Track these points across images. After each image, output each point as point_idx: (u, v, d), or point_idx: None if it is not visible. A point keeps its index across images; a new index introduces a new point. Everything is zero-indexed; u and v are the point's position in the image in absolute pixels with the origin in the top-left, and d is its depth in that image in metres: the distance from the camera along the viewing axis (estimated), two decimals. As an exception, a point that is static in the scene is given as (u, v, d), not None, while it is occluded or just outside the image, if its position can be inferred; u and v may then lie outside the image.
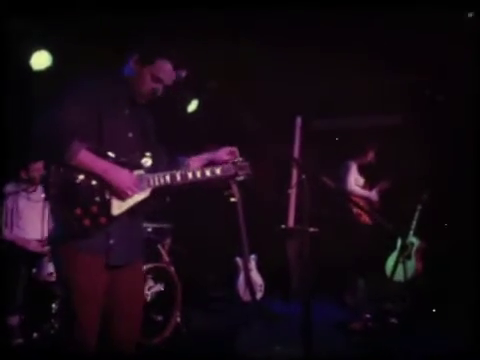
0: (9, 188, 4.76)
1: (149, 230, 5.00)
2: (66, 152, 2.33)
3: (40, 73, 5.16)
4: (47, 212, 4.96)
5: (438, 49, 5.40)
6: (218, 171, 2.82)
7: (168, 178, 2.64)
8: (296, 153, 6.88)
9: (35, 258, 4.46)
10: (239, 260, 5.94)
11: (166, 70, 2.62)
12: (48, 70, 5.18)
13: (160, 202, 2.69)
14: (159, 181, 2.62)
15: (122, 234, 2.55)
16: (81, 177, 2.40)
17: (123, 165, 2.52)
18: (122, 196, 2.49)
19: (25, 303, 4.33)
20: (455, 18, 4.41)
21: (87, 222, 2.39)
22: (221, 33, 5.24)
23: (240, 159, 2.91)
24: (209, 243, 6.72)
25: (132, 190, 2.50)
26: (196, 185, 2.78)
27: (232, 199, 5.97)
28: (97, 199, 2.43)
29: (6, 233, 4.68)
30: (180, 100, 6.60)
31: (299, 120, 6.99)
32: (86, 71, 2.69)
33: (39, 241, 4.67)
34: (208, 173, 2.78)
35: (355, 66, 5.90)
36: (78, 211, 2.37)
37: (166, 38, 2.72)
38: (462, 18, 3.73)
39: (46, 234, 4.85)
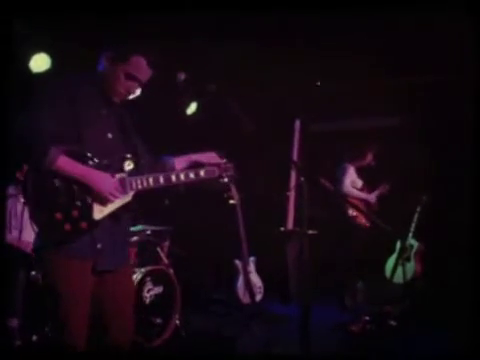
0: (10, 190, 4.76)
1: (148, 233, 5.00)
2: (44, 158, 2.30)
3: (40, 75, 5.17)
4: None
5: (437, 50, 5.41)
6: (202, 173, 2.81)
7: (151, 181, 2.61)
8: (295, 156, 6.88)
9: (34, 261, 4.45)
10: (238, 262, 5.93)
11: (141, 67, 2.55)
12: (47, 72, 5.19)
13: (159, 204, 2.66)
14: (142, 184, 2.58)
15: (109, 239, 2.53)
16: (61, 181, 2.37)
17: (105, 168, 2.48)
18: (103, 201, 2.46)
19: (24, 306, 4.32)
20: (454, 18, 4.41)
21: (68, 227, 2.36)
22: (219, 35, 5.24)
23: (224, 161, 2.89)
24: (208, 245, 6.71)
25: (113, 195, 2.46)
26: (185, 186, 2.77)
27: (231, 201, 5.98)
28: (78, 203, 2.39)
29: (5, 236, 4.68)
30: (179, 103, 6.61)
31: (298, 123, 6.99)
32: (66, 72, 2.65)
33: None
34: (192, 175, 2.77)
35: (354, 68, 5.91)
36: (58, 215, 2.34)
37: (140, 34, 2.67)
38: (461, 18, 3.73)
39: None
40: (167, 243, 5.36)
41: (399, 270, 6.07)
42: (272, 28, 5.20)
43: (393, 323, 5.06)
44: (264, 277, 6.08)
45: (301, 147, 6.92)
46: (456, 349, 4.26)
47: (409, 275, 6.23)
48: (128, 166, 2.56)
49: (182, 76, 2.76)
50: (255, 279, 5.97)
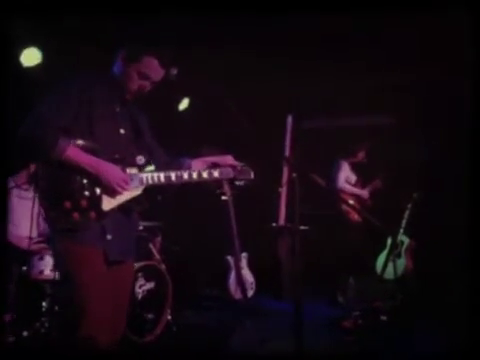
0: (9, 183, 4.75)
1: (140, 228, 4.99)
2: (53, 148, 2.33)
3: (31, 70, 5.15)
4: (36, 210, 4.95)
5: (432, 47, 5.43)
6: (216, 173, 2.80)
7: (162, 177, 2.63)
8: (287, 151, 6.89)
9: (26, 256, 4.44)
10: (230, 258, 5.95)
11: (153, 67, 2.61)
12: (38, 67, 5.17)
13: (152, 200, 2.65)
14: (152, 180, 2.60)
15: (118, 231, 2.55)
16: (71, 172, 2.40)
17: (116, 162, 2.51)
18: (112, 192, 2.48)
19: (16, 301, 4.31)
20: (450, 15, 4.42)
21: (76, 216, 2.38)
22: (212, 33, 5.23)
23: (241, 164, 2.89)
24: (200, 241, 6.71)
25: (121, 186, 2.48)
26: (190, 184, 2.77)
27: (223, 197, 5.98)
28: (87, 194, 2.42)
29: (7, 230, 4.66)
30: (171, 98, 6.60)
31: (290, 119, 7.00)
32: (76, 68, 2.69)
33: (29, 238, 4.64)
34: (205, 175, 2.76)
35: (347, 65, 5.92)
36: (67, 204, 2.36)
37: (153, 35, 2.72)
38: (458, 15, 3.74)
39: (35, 232, 4.83)
40: (159, 239, 5.35)
41: (390, 266, 6.09)
42: (267, 26, 5.19)
43: (384, 318, 5.09)
44: (256, 273, 6.09)
45: (293, 143, 6.92)
46: (448, 343, 4.30)
47: (400, 271, 6.25)
48: (140, 161, 2.59)
49: (174, 71, 2.75)
50: (247, 275, 5.99)
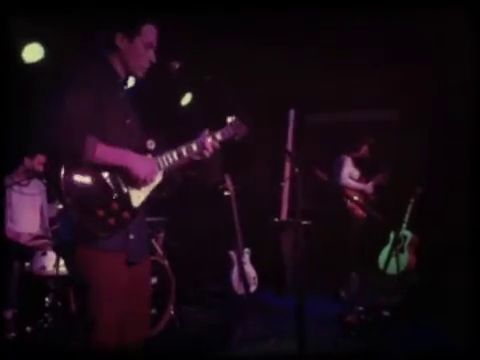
0: (5, 180, 4.74)
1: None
2: (83, 151, 2.21)
3: (33, 65, 5.14)
4: (39, 206, 4.95)
5: (434, 43, 5.41)
6: (218, 136, 2.75)
7: (175, 155, 2.56)
8: (289, 146, 6.88)
9: (28, 252, 4.44)
10: (233, 253, 5.94)
11: (153, 32, 2.55)
12: (41, 62, 5.15)
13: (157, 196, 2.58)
14: (168, 161, 2.53)
15: (137, 228, 2.49)
16: (93, 179, 2.29)
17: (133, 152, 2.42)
18: (139, 185, 2.41)
19: (18, 297, 4.31)
20: (453, 12, 4.39)
21: (112, 221, 2.29)
22: (216, 27, 5.21)
23: (234, 118, 2.85)
24: (203, 236, 6.71)
25: (151, 176, 2.43)
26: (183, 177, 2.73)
27: (226, 193, 5.98)
28: (115, 196, 2.33)
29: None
30: (174, 93, 6.58)
31: (292, 113, 6.98)
32: (73, 62, 2.60)
33: (30, 234, 4.64)
34: (209, 139, 2.68)
35: (349, 60, 5.90)
36: (100, 213, 2.26)
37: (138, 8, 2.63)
38: (461, 13, 3.71)
39: (38, 228, 4.83)
40: (162, 234, 5.36)
41: (393, 261, 6.09)
42: (269, 20, 5.18)
43: (387, 314, 5.09)
44: (258, 268, 6.09)
45: (295, 137, 6.91)
46: (450, 339, 4.29)
47: (403, 266, 6.25)
48: (151, 145, 2.50)
49: (176, 65, 2.73)
50: (249, 270, 5.98)
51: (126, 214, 2.36)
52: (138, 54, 2.52)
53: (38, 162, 4.71)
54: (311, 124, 7.60)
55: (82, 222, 2.25)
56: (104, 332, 2.35)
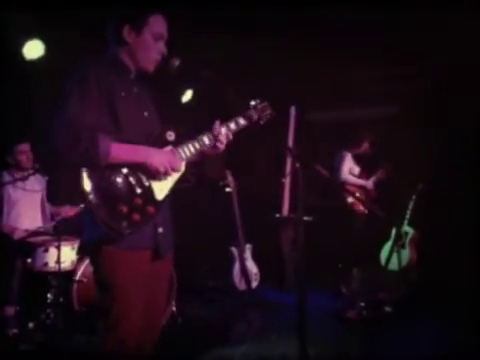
0: (4, 177, 4.74)
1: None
2: (98, 154, 2.16)
3: (33, 62, 5.13)
4: (40, 202, 4.96)
5: (436, 38, 5.39)
6: (241, 121, 2.71)
7: (197, 144, 2.53)
8: (290, 142, 6.87)
9: (30, 248, 4.44)
10: (234, 249, 5.95)
11: (161, 22, 2.50)
12: (41, 59, 5.14)
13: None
14: (190, 151, 2.50)
15: (164, 220, 2.47)
16: (114, 176, 2.26)
17: (151, 145, 2.39)
18: (162, 178, 2.38)
19: (20, 293, 4.32)
20: (455, 9, 4.39)
21: (137, 217, 2.26)
22: (216, 23, 5.20)
23: (258, 101, 2.80)
24: (204, 232, 6.71)
25: (173, 168, 2.39)
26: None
27: (227, 189, 5.99)
28: (138, 191, 2.30)
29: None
30: (174, 90, 6.58)
31: (293, 109, 6.97)
32: (80, 59, 2.56)
33: (26, 231, 4.63)
34: (233, 126, 2.67)
35: (351, 56, 5.89)
36: (124, 209, 2.24)
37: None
38: (462, 9, 3.71)
39: (39, 224, 4.83)
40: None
41: (394, 257, 6.09)
42: (270, 16, 5.17)
43: (388, 309, 5.10)
44: (260, 264, 6.10)
45: (296, 134, 6.90)
46: (452, 334, 4.30)
47: (404, 262, 6.25)
48: (170, 137, 2.47)
49: (176, 62, 2.71)
50: (251, 266, 6.00)
51: (150, 208, 2.33)
52: (147, 46, 2.46)
53: (19, 152, 4.71)
54: (312, 121, 7.60)
55: (106, 220, 2.21)
56: (127, 332, 2.31)
